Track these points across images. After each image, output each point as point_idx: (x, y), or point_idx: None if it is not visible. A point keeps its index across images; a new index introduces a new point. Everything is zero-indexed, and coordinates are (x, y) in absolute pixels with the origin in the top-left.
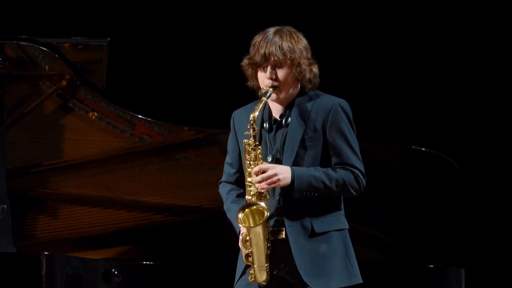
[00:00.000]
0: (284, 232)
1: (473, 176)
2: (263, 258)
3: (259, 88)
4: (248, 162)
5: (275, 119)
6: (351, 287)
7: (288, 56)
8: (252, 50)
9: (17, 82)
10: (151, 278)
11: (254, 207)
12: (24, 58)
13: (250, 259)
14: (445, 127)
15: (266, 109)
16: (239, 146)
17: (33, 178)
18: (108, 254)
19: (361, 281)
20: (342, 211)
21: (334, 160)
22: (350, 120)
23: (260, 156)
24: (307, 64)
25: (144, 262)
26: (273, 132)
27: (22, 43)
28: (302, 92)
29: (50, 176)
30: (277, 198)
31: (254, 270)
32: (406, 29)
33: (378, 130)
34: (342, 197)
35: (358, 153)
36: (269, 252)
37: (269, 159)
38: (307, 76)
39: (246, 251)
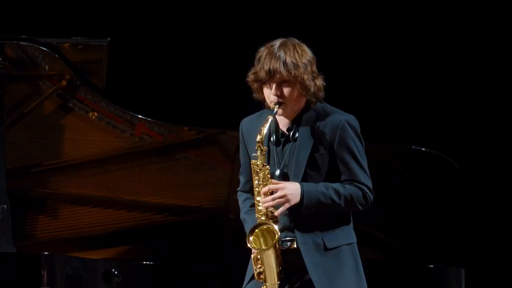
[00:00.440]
0: (295, 243)
1: (473, 176)
2: (274, 276)
3: (265, 100)
4: (256, 182)
5: (283, 133)
6: None
7: (292, 73)
8: (257, 65)
9: (17, 82)
10: (151, 278)
11: (265, 226)
12: (24, 58)
13: (261, 276)
14: (445, 127)
15: (274, 123)
16: (249, 156)
17: (33, 178)
18: (108, 254)
19: None
20: (351, 225)
21: (342, 177)
22: (358, 136)
23: (268, 176)
24: (311, 79)
25: (144, 262)
26: (280, 146)
27: (22, 43)
28: (308, 107)
29: (50, 176)
30: (287, 214)
31: (266, 287)
32: (406, 29)
33: (378, 130)
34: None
35: (367, 169)
36: (280, 268)
37: (277, 173)
38: (312, 90)
39: (258, 270)
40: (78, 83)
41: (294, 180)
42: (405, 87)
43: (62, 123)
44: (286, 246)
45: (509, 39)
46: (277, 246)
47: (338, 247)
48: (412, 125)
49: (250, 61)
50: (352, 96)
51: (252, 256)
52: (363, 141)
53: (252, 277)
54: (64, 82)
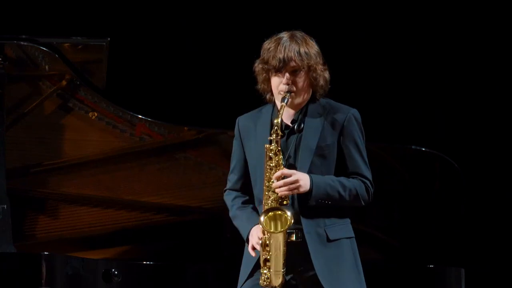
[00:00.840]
0: (294, 236)
1: (473, 176)
2: (280, 263)
3: (269, 91)
4: (268, 167)
5: (287, 125)
6: None
7: (306, 62)
8: (266, 54)
9: (17, 82)
10: (151, 278)
11: (279, 212)
12: (24, 58)
13: (268, 263)
14: (445, 127)
15: (276, 114)
16: (244, 153)
17: (33, 178)
18: (108, 254)
19: None
20: (349, 220)
21: (347, 169)
22: (362, 131)
23: (281, 162)
24: (322, 70)
25: (144, 262)
26: (285, 138)
27: (22, 43)
28: (313, 99)
29: (50, 176)
30: (293, 203)
31: (270, 274)
32: (406, 29)
33: (378, 130)
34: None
35: (368, 163)
36: (285, 258)
37: (283, 164)
38: (321, 82)
39: (265, 256)
40: (78, 83)
41: (301, 170)
42: (405, 87)
43: (62, 123)
44: (287, 239)
45: (509, 39)
46: (286, 233)
47: (339, 239)
48: (412, 125)
49: (250, 61)
50: (352, 96)
51: (261, 242)
52: (364, 136)
53: (249, 277)
54: (64, 82)
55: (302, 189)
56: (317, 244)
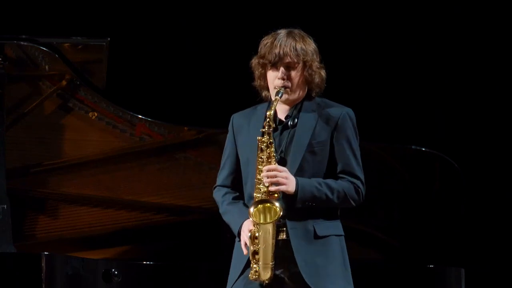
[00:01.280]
0: (284, 233)
1: (473, 176)
2: (269, 256)
3: (265, 88)
4: (260, 160)
5: (280, 120)
6: None
7: (301, 58)
8: (263, 49)
9: (17, 82)
10: (151, 278)
11: (268, 204)
12: (24, 58)
13: (256, 256)
14: (445, 127)
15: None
16: (237, 150)
17: (33, 178)
18: (108, 254)
19: None
20: (339, 219)
21: (338, 167)
22: (355, 130)
23: (273, 154)
24: (317, 67)
25: (144, 262)
26: (278, 132)
27: (22, 43)
28: (308, 96)
29: (50, 176)
30: (281, 199)
31: (259, 267)
32: (406, 29)
33: (378, 130)
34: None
35: (360, 162)
36: (275, 250)
37: (276, 158)
38: (316, 79)
39: (254, 248)
40: (78, 83)
41: (292, 165)
42: (405, 87)
43: (62, 123)
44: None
45: (509, 39)
46: (275, 224)
47: (328, 236)
48: (412, 125)
49: (250, 61)
50: (352, 96)
51: (249, 234)
52: (358, 135)
53: (240, 274)
54: (64, 82)
55: (288, 188)
56: (302, 240)
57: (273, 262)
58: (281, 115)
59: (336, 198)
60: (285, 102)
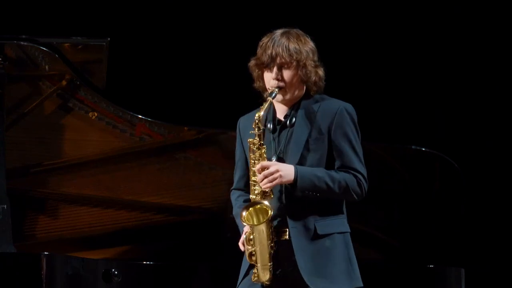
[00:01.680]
0: (287, 233)
1: (473, 176)
2: (266, 257)
3: (265, 89)
4: (252, 161)
5: (279, 120)
6: None
7: (294, 57)
8: (259, 51)
9: (17, 82)
10: (151, 278)
11: (258, 205)
12: (24, 58)
13: (253, 258)
14: (445, 127)
15: (271, 110)
16: (245, 153)
17: (33, 178)
18: (108, 254)
19: (361, 284)
20: (345, 215)
21: (337, 163)
22: (355, 125)
23: (264, 155)
24: (312, 66)
25: (144, 262)
26: (277, 133)
27: (22, 43)
28: (307, 95)
29: (50, 176)
30: (281, 198)
31: (257, 269)
32: (406, 29)
33: (378, 130)
34: (344, 200)
35: (362, 158)
36: (272, 251)
37: (274, 159)
38: (313, 78)
39: (250, 250)
40: (78, 83)
41: (290, 163)
42: (405, 87)
43: (62, 123)
44: (277, 238)
45: (509, 39)
46: (270, 226)
47: (330, 234)
48: (412, 125)
49: (250, 61)
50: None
51: (244, 236)
52: (359, 130)
53: (245, 275)
54: (64, 82)
55: (284, 179)
56: (302, 239)
57: (271, 263)
58: (280, 115)
59: (338, 188)
60: (283, 102)
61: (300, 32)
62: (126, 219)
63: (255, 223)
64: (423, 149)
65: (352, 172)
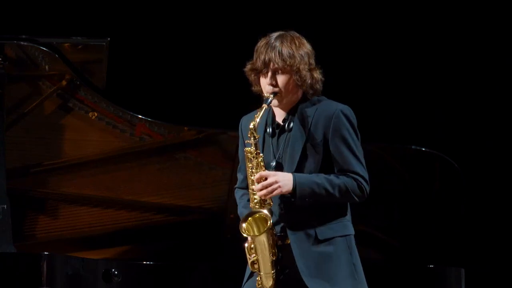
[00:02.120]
0: (289, 238)
1: (473, 176)
2: (268, 265)
3: (262, 93)
4: (250, 170)
5: (278, 124)
6: None
7: (288, 62)
8: (254, 55)
9: (17, 82)
10: (151, 278)
11: (257, 215)
12: (24, 58)
13: (256, 266)
14: (445, 127)
15: (270, 114)
16: None
17: (33, 178)
18: (108, 254)
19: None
20: (348, 217)
21: (336, 167)
22: (353, 126)
23: (262, 163)
24: (307, 69)
25: (144, 262)
26: (276, 137)
27: (22, 43)
28: (304, 98)
29: (50, 176)
30: (280, 205)
31: (260, 276)
32: (406, 29)
33: (378, 130)
34: (348, 203)
35: (362, 159)
36: (274, 258)
37: (273, 164)
38: (308, 81)
39: (252, 259)
40: (78, 83)
41: (288, 170)
42: (405, 87)
43: (62, 123)
44: (280, 242)
45: (509, 39)
46: (271, 234)
47: (332, 238)
48: (412, 125)
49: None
50: (352, 96)
51: (246, 245)
52: (358, 132)
53: (250, 275)
54: (64, 82)
55: (283, 189)
56: (303, 245)
57: (274, 271)
58: (279, 119)
59: (338, 192)
60: (281, 106)
61: (295, 34)
62: (126, 219)
63: (255, 234)
64: (423, 149)
65: (352, 175)
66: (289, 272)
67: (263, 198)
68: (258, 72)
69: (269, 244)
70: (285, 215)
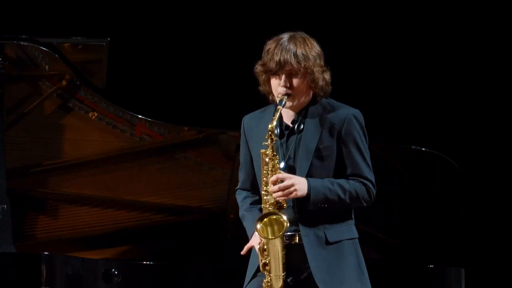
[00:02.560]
0: (297, 237)
1: (473, 176)
2: (279, 267)
3: (271, 93)
4: (265, 172)
5: (287, 125)
6: None
7: (303, 64)
8: (266, 56)
9: (17, 82)
10: (151, 278)
11: (274, 216)
12: (24, 58)
13: (267, 267)
14: (445, 127)
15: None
16: (250, 152)
17: (33, 178)
18: (108, 254)
19: None
20: (353, 220)
21: (347, 171)
22: (364, 131)
23: (277, 166)
24: (320, 71)
25: (144, 262)
26: (284, 139)
27: (22, 43)
28: (314, 100)
29: (50, 176)
30: (294, 208)
31: (270, 278)
32: (406, 29)
33: (378, 130)
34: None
35: (370, 164)
36: (284, 261)
37: (282, 165)
38: (320, 83)
39: (264, 260)
40: (78, 83)
41: (300, 171)
42: (405, 87)
43: (62, 123)
44: (288, 241)
45: (509, 39)
46: (283, 236)
47: (340, 241)
48: (412, 125)
49: (250, 61)
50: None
51: (258, 246)
52: (367, 136)
53: (253, 276)
54: (64, 82)
55: (299, 193)
56: (315, 247)
57: (284, 273)
58: (287, 121)
59: (348, 198)
60: (290, 108)
61: (305, 35)
62: (126, 219)
63: (270, 237)
64: (423, 149)
65: (362, 180)
66: (299, 274)
67: (278, 200)
68: (272, 74)
69: (282, 247)
70: (296, 217)
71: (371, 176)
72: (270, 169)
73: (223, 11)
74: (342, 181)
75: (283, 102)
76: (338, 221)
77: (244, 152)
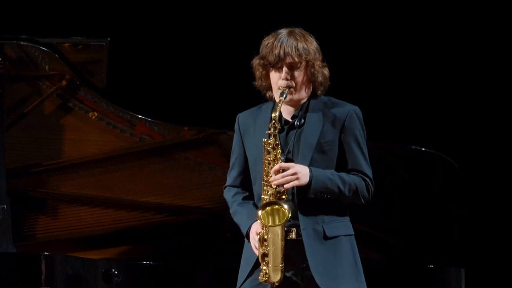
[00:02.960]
0: (294, 233)
1: (473, 176)
2: (279, 258)
3: (268, 88)
4: (267, 162)
5: (286, 120)
6: None
7: (304, 57)
8: (264, 50)
9: (17, 82)
10: (151, 278)
11: (276, 206)
12: (24, 58)
13: (266, 259)
14: (445, 127)
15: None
16: (244, 149)
17: (33, 178)
18: (108, 254)
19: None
20: (348, 218)
21: (347, 165)
22: (363, 128)
23: (279, 156)
24: (320, 66)
25: (144, 262)
26: (284, 133)
27: (22, 43)
28: (314, 95)
29: (50, 176)
30: (293, 199)
31: (268, 269)
32: (406, 29)
33: (378, 130)
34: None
35: (368, 161)
36: (283, 252)
37: (282, 159)
38: (319, 78)
39: (263, 251)
40: (78, 83)
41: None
42: (405, 87)
43: (62, 123)
44: (286, 236)
45: (509, 39)
46: (283, 226)
47: (337, 236)
48: (412, 125)
49: (250, 61)
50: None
51: (258, 237)
52: (365, 134)
53: (247, 277)
54: (64, 82)
55: (301, 181)
56: (313, 241)
57: (283, 264)
58: (287, 116)
59: (348, 191)
60: (290, 102)
61: (304, 31)
62: (126, 219)
63: (271, 224)
64: (423, 149)
65: (361, 175)
66: (296, 268)
67: (279, 190)
68: (272, 67)
69: (282, 236)
70: (296, 210)
71: (370, 173)
72: (272, 158)
73: (224, 10)
74: (342, 174)
75: (285, 94)
76: (335, 215)
77: (237, 149)
